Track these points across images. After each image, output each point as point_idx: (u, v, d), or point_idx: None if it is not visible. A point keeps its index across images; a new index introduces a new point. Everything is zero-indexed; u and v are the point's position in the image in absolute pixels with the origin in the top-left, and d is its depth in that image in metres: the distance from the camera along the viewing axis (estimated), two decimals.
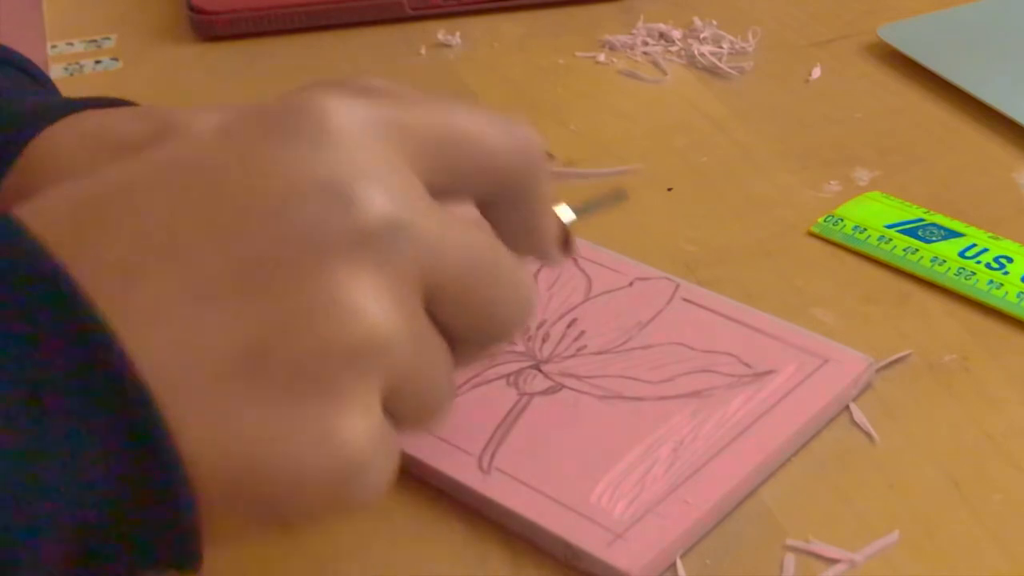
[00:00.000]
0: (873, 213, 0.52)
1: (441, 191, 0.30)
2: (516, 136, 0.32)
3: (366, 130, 0.29)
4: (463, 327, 0.30)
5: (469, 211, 0.32)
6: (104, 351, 0.25)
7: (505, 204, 0.32)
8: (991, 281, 0.47)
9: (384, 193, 0.28)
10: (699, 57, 0.67)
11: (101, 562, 0.27)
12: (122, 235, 0.27)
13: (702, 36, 0.69)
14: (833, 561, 0.37)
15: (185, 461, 0.26)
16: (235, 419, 0.26)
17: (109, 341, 0.25)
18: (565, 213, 0.36)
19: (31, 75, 0.53)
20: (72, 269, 0.26)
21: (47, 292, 0.25)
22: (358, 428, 0.27)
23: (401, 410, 0.29)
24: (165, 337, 0.26)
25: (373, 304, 0.27)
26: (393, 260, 0.28)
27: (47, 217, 0.27)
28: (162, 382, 0.26)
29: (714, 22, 0.70)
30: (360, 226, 0.27)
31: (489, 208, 0.33)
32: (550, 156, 0.54)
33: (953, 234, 0.50)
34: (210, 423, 0.26)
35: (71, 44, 0.72)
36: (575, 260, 0.49)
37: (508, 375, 0.43)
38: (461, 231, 0.30)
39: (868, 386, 0.44)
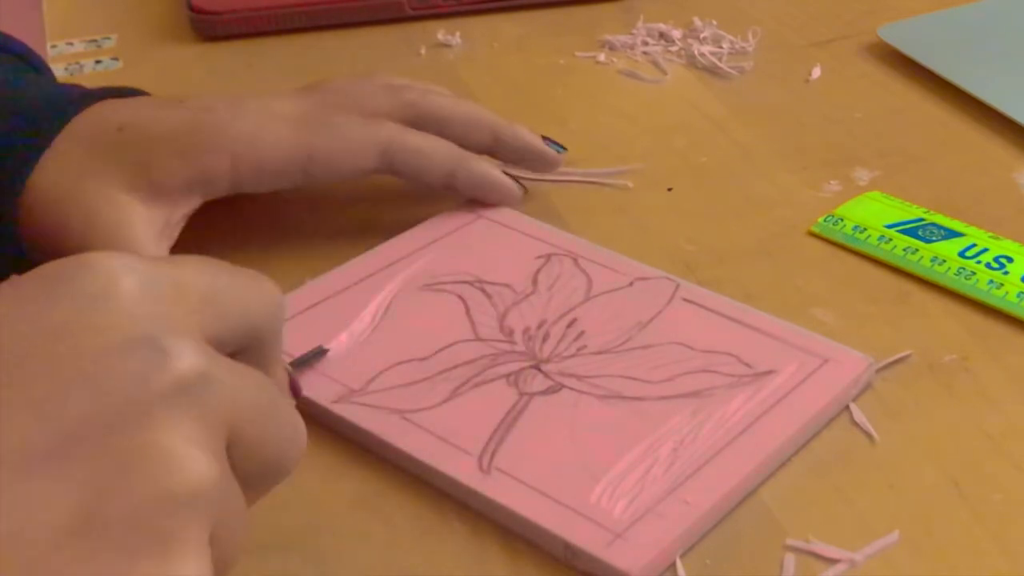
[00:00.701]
0: (873, 213, 0.52)
1: (211, 343, 0.31)
2: (265, 290, 0.33)
3: (150, 288, 0.30)
4: (251, 467, 0.31)
5: None
6: None
7: (248, 354, 0.34)
8: (991, 281, 0.47)
9: (188, 344, 0.29)
10: (699, 57, 0.67)
11: None
12: None
13: (702, 36, 0.69)
14: (833, 561, 0.37)
15: None
16: None
17: None
18: None
19: (30, 63, 0.54)
20: None
21: None
22: (194, 572, 0.28)
23: (216, 553, 0.30)
24: None
25: (194, 451, 0.28)
26: (205, 408, 0.29)
27: None
28: None
29: (714, 22, 0.70)
30: (176, 377, 0.28)
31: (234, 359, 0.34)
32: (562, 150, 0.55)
33: (953, 234, 0.50)
34: None
35: (71, 44, 0.72)
36: (575, 260, 0.49)
37: (508, 375, 0.43)
38: (248, 376, 0.31)
39: (868, 386, 0.44)
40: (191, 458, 0.28)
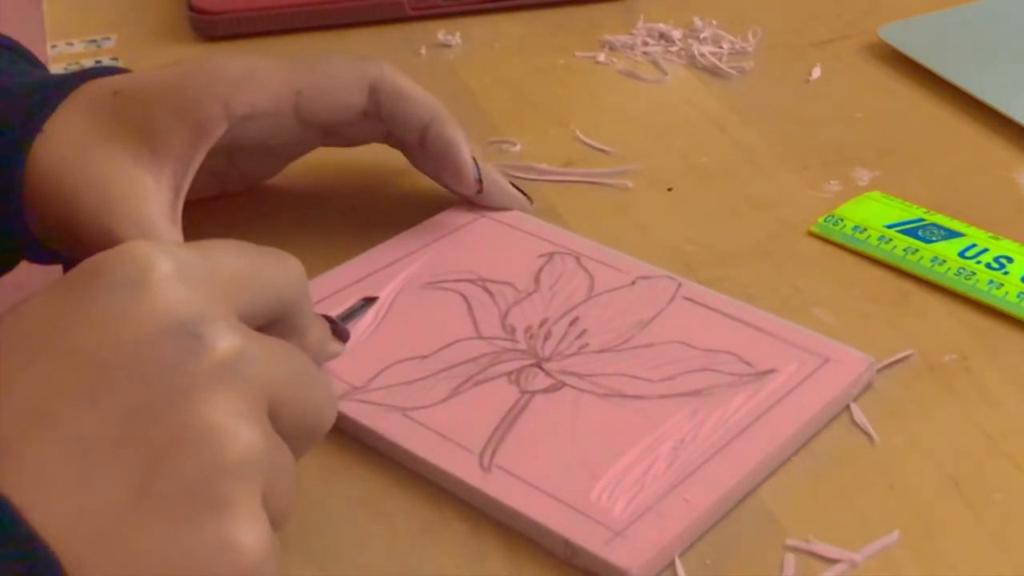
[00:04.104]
0: (873, 213, 0.52)
1: (244, 320, 0.34)
2: (289, 265, 0.36)
3: (185, 275, 0.32)
4: (294, 429, 0.33)
5: None
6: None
7: (280, 324, 0.36)
8: (991, 281, 0.47)
9: (222, 326, 0.32)
10: (699, 57, 0.67)
11: None
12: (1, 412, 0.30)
13: (702, 36, 0.69)
14: (833, 561, 0.37)
15: None
16: (138, 550, 0.29)
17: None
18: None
19: (27, 58, 0.54)
20: None
21: None
22: (252, 534, 0.30)
23: (271, 509, 0.32)
24: (55, 493, 0.29)
25: (236, 422, 0.31)
26: (244, 382, 0.31)
27: None
28: (58, 531, 0.29)
29: (714, 22, 0.70)
30: (211, 359, 0.31)
31: (267, 330, 0.36)
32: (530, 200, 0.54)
33: (953, 234, 0.50)
34: (114, 559, 0.29)
35: (71, 44, 0.72)
36: (577, 259, 0.49)
37: (509, 373, 0.43)
38: (280, 349, 0.33)
39: (868, 386, 0.44)
40: (235, 429, 0.30)
